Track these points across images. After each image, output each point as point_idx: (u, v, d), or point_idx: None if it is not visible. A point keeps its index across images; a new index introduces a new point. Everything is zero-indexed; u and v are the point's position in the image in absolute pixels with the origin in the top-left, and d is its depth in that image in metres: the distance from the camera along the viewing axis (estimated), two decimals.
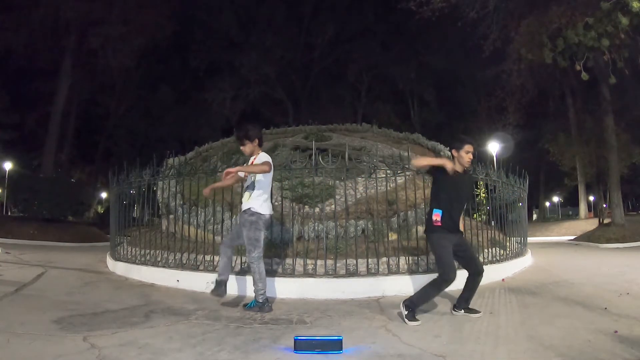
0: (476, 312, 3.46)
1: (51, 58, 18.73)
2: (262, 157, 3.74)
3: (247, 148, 3.78)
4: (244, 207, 3.72)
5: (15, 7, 16.63)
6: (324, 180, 5.37)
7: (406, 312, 3.23)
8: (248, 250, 3.64)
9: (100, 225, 17.82)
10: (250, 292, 4.26)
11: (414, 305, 3.28)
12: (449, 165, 3.29)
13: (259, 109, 27.92)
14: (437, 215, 3.34)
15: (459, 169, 3.44)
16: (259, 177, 3.71)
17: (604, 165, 16.92)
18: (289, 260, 4.65)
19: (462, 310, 3.49)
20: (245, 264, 4.47)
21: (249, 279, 4.29)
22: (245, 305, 3.78)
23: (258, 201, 3.67)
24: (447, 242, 3.32)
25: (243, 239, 3.67)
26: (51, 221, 13.29)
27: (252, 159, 3.80)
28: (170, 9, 20.59)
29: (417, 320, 3.20)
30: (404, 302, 3.32)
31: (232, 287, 4.24)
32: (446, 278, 3.26)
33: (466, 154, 3.41)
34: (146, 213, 6.54)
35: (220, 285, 3.72)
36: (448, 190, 3.39)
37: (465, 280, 3.51)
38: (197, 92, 26.08)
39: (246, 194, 3.75)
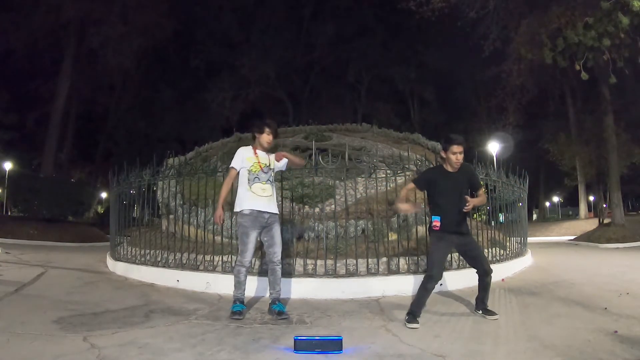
0: (493, 314, 3.39)
1: (51, 58, 18.74)
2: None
3: (272, 142, 3.69)
4: (272, 209, 3.55)
5: (15, 7, 16.65)
6: (324, 180, 5.36)
7: (406, 317, 3.25)
8: (280, 251, 3.57)
9: (100, 225, 17.82)
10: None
11: (412, 310, 3.27)
12: (403, 207, 3.55)
13: (259, 109, 27.92)
14: (436, 222, 3.37)
15: (449, 169, 3.41)
16: (277, 170, 3.74)
17: (604, 165, 16.91)
18: (288, 260, 4.64)
19: (480, 311, 3.48)
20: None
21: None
22: (276, 310, 3.46)
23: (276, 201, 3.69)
24: (443, 242, 3.36)
25: (253, 241, 3.52)
26: (51, 221, 13.29)
27: (270, 155, 3.72)
28: (170, 9, 20.59)
29: (415, 322, 3.16)
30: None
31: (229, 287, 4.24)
32: (429, 274, 3.34)
33: (453, 155, 3.32)
34: (146, 213, 6.54)
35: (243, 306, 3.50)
36: (443, 194, 3.38)
37: (477, 281, 3.53)
38: (197, 92, 26.08)
39: (267, 187, 3.57)
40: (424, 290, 3.32)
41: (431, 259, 3.41)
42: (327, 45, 26.92)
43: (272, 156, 3.73)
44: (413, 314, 3.23)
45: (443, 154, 3.41)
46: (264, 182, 3.57)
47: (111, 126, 27.05)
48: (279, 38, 25.64)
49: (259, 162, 3.59)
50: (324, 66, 28.32)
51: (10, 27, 16.80)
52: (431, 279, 3.30)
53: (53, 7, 16.35)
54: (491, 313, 3.41)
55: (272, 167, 3.68)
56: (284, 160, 3.78)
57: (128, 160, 6.34)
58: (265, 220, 3.53)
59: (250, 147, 3.70)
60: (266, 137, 3.65)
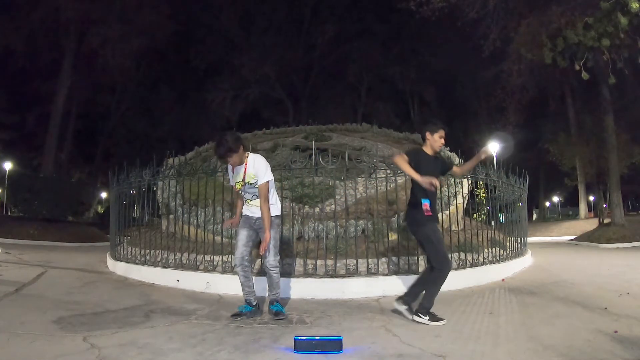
0: (435, 319, 3.21)
1: (51, 58, 18.74)
2: (253, 159, 3.46)
3: (236, 159, 3.41)
4: (255, 214, 3.53)
5: (15, 7, 16.66)
6: (324, 180, 5.37)
7: (427, 317, 3.18)
8: (273, 253, 3.48)
9: (100, 225, 17.81)
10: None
11: (427, 309, 3.23)
12: (425, 182, 3.14)
13: (259, 109, 27.95)
14: (426, 205, 3.29)
15: (430, 152, 3.51)
16: (254, 181, 3.50)
17: (604, 165, 16.90)
18: (288, 260, 4.64)
19: (410, 312, 3.26)
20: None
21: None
22: (273, 310, 3.48)
23: (274, 205, 3.54)
24: (439, 233, 3.39)
25: (249, 243, 3.55)
26: (51, 221, 13.28)
27: (243, 167, 3.47)
28: (170, 9, 20.60)
29: (442, 319, 3.17)
30: (416, 311, 3.25)
31: (229, 287, 4.24)
32: (444, 270, 3.27)
33: (440, 139, 3.50)
34: (146, 213, 6.54)
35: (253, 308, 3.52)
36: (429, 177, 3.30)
37: (424, 272, 3.52)
38: (197, 92, 26.09)
39: (253, 203, 3.54)
40: (439, 287, 3.28)
41: (441, 254, 3.27)
42: (327, 45, 26.93)
43: (249, 168, 3.46)
44: (429, 312, 3.21)
45: (429, 136, 3.49)
46: (249, 200, 3.55)
47: (111, 126, 27.05)
48: (279, 38, 25.66)
49: (235, 182, 3.55)
50: (324, 66, 28.33)
51: (10, 27, 16.80)
52: (446, 275, 3.26)
53: (53, 7, 16.36)
54: (434, 318, 3.20)
55: (246, 181, 3.47)
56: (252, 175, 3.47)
57: (128, 160, 6.35)
58: (254, 221, 3.56)
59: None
60: (222, 159, 3.56)
